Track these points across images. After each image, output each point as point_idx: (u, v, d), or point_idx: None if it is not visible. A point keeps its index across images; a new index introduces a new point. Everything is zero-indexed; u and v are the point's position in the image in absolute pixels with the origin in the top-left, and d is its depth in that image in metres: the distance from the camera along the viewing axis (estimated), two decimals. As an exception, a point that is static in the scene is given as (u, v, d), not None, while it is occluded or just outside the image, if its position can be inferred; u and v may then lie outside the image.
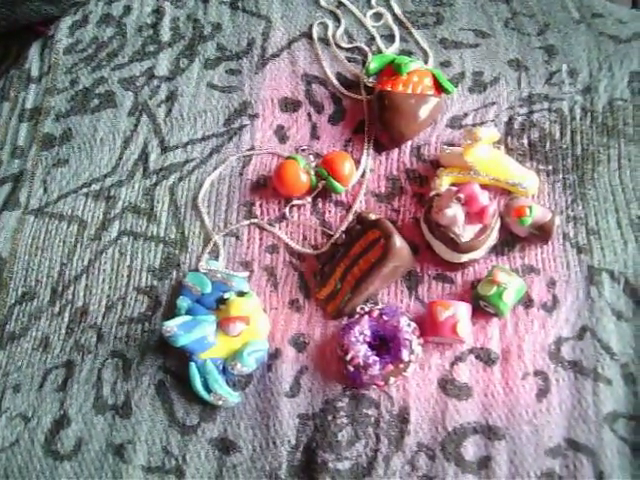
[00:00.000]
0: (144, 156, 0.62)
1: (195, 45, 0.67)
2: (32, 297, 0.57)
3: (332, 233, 0.57)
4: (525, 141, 0.59)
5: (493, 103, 0.61)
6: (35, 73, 0.68)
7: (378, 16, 0.67)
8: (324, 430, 0.48)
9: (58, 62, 0.68)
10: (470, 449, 0.47)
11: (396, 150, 0.60)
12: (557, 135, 0.59)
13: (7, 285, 0.57)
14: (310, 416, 0.49)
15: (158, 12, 0.70)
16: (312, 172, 0.57)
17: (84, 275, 0.57)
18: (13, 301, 0.57)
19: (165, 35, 0.68)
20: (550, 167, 0.57)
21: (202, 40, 0.68)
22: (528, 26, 0.65)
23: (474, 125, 0.60)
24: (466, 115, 0.60)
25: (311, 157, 0.60)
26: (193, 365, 0.50)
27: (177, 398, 0.51)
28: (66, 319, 0.55)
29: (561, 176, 0.57)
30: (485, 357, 0.50)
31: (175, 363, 0.52)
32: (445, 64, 0.64)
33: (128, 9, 0.70)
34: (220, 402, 0.49)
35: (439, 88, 0.59)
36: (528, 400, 0.48)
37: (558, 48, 0.63)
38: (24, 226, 0.60)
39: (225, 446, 0.49)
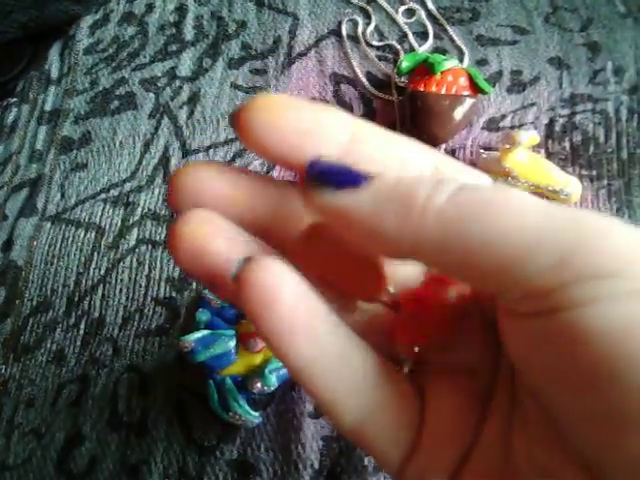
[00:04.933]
0: (165, 160, 0.59)
1: (219, 44, 0.65)
2: (47, 307, 0.54)
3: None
4: (567, 145, 0.55)
5: (533, 104, 0.57)
6: (55, 74, 0.66)
7: (411, 12, 0.64)
8: (349, 454, 0.45)
9: (78, 63, 0.66)
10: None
11: (429, 154, 0.56)
12: (601, 138, 0.55)
13: (22, 295, 0.55)
14: (335, 438, 0.46)
15: (181, 10, 0.67)
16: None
17: (101, 285, 0.55)
18: (28, 311, 0.55)
19: (188, 34, 0.66)
20: (594, 172, 0.53)
21: (226, 39, 0.65)
22: (570, 21, 0.61)
23: (512, 128, 0.56)
24: (504, 117, 0.57)
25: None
26: (211, 382, 0.47)
27: (195, 417, 0.48)
28: (82, 331, 0.53)
29: (606, 182, 0.53)
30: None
31: (193, 379, 0.49)
32: (481, 62, 0.60)
33: (150, 7, 0.68)
34: (239, 422, 0.47)
35: (475, 88, 0.55)
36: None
37: (602, 45, 0.59)
38: (40, 233, 0.58)
39: (244, 468, 0.46)
